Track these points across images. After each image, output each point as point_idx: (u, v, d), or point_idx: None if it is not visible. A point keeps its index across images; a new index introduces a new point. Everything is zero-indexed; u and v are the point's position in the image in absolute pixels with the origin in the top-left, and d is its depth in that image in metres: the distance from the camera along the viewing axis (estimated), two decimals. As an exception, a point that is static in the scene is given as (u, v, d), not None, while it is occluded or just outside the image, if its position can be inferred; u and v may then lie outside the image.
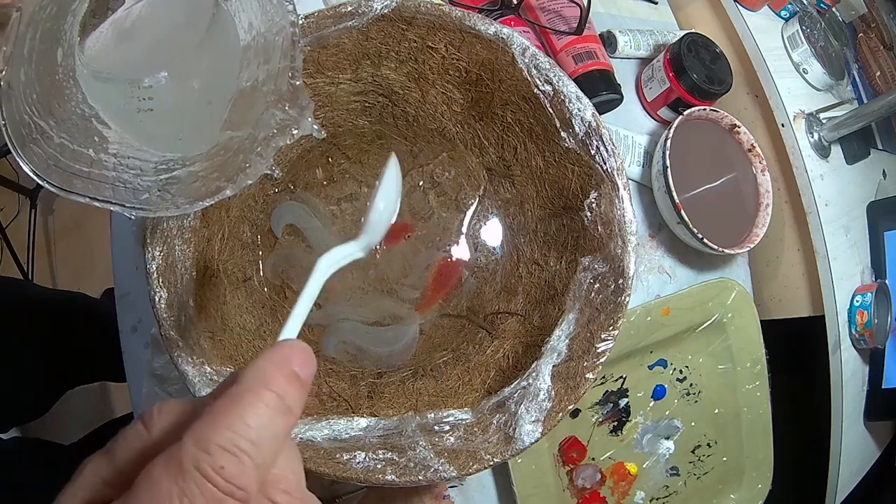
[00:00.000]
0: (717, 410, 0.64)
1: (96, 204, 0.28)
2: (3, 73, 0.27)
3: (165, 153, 0.31)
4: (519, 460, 0.53)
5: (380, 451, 0.38)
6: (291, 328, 0.23)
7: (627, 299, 0.41)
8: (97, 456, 0.19)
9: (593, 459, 0.59)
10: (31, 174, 0.27)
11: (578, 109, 0.43)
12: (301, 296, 0.25)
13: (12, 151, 0.27)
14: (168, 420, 0.19)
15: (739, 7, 0.71)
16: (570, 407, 0.39)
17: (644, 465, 0.61)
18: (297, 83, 0.30)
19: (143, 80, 0.29)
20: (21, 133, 0.27)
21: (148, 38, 0.31)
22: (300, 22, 0.42)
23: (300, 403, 0.19)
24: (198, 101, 0.31)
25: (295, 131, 0.30)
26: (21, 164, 0.27)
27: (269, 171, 0.30)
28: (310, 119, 0.30)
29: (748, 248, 0.62)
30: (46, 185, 0.27)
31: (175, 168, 0.31)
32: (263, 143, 0.30)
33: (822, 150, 0.69)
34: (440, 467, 0.37)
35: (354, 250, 0.28)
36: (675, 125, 0.60)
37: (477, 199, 0.51)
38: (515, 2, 0.59)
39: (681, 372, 0.63)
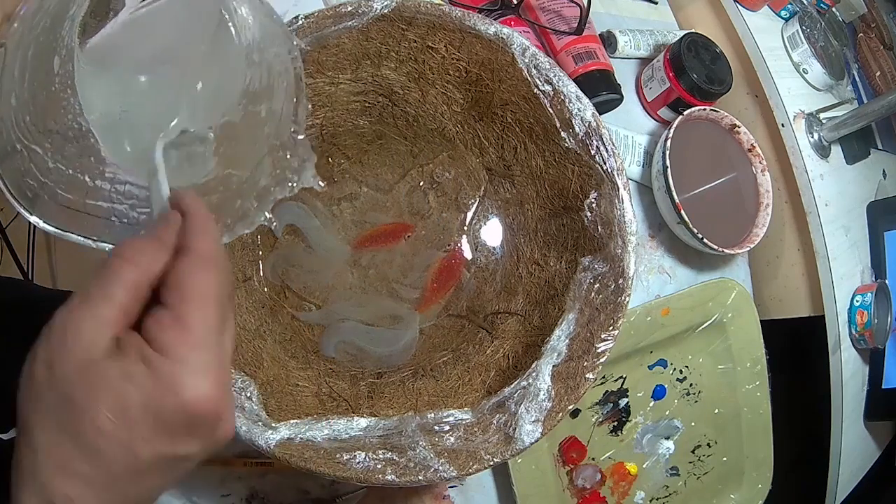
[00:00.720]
0: (717, 410, 0.64)
1: (91, 244, 0.28)
2: None
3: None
4: (519, 460, 0.53)
5: (380, 451, 0.38)
6: (165, 187, 0.27)
7: (627, 299, 0.41)
8: (86, 303, 0.23)
9: (593, 459, 0.59)
10: (21, 210, 0.26)
11: (578, 109, 0.43)
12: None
13: (1, 186, 0.26)
14: (147, 250, 0.24)
15: (739, 7, 0.71)
16: (570, 407, 0.39)
17: (644, 465, 0.61)
18: (300, 137, 0.30)
19: (138, 79, 0.29)
20: (13, 165, 0.26)
21: (147, 43, 0.31)
22: (300, 22, 0.42)
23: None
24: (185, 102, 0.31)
25: (294, 183, 0.30)
26: (10, 199, 0.26)
27: (266, 223, 0.30)
28: (311, 173, 0.30)
29: (748, 248, 0.62)
30: (39, 223, 0.27)
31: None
32: (262, 191, 0.30)
33: (822, 150, 0.69)
34: (440, 467, 0.37)
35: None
36: (675, 125, 0.60)
37: (477, 200, 0.51)
38: (515, 2, 0.59)
39: (681, 372, 0.63)
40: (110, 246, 0.28)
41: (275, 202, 0.30)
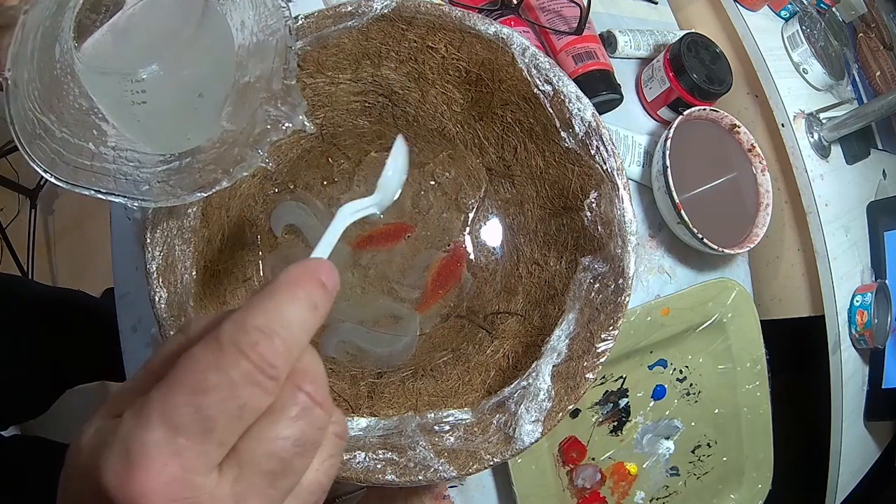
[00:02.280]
0: (717, 410, 0.64)
1: (100, 196, 0.29)
2: (10, 72, 0.27)
3: (160, 152, 0.32)
4: (519, 460, 0.53)
5: (380, 451, 0.38)
6: (320, 252, 0.26)
7: (627, 299, 0.41)
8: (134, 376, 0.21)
9: (593, 459, 0.59)
10: (37, 169, 0.28)
11: (578, 109, 0.43)
12: (326, 233, 0.27)
13: (19, 147, 0.28)
14: (205, 323, 0.21)
15: (739, 7, 0.71)
16: (570, 407, 0.39)
17: (644, 465, 0.61)
18: (291, 83, 0.31)
19: (136, 73, 0.30)
20: (27, 129, 0.28)
21: (141, 36, 0.32)
22: (300, 22, 0.42)
23: (325, 306, 0.21)
24: (189, 93, 0.32)
25: (287, 126, 0.31)
26: (28, 159, 0.28)
27: (263, 164, 0.31)
28: (301, 116, 0.32)
29: (748, 248, 0.62)
30: (53, 180, 0.28)
31: (172, 160, 0.32)
32: (258, 137, 0.31)
33: (822, 150, 0.69)
34: (440, 467, 0.37)
35: (370, 204, 0.31)
36: (675, 125, 0.60)
37: (478, 200, 0.51)
38: (515, 2, 0.59)
39: (681, 372, 0.63)
40: (120, 199, 0.30)
41: (270, 143, 0.31)
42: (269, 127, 0.31)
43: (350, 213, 0.29)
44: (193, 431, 0.18)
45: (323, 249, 0.26)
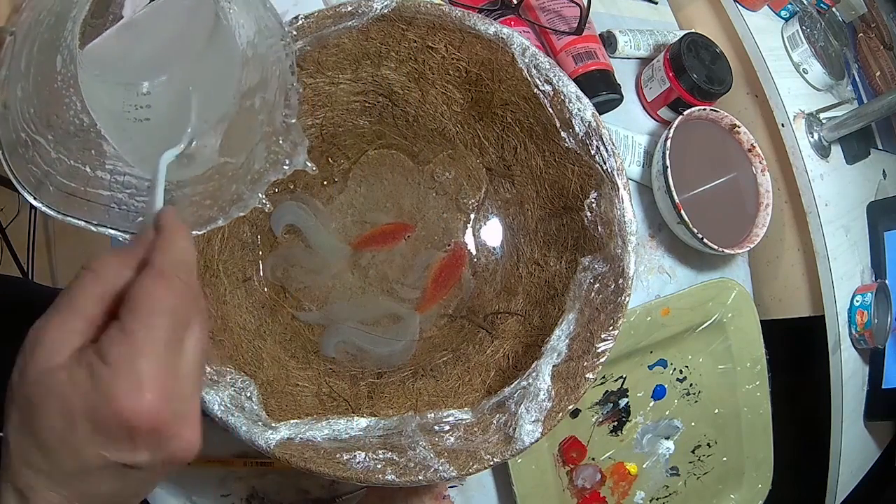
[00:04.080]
0: (717, 410, 0.64)
1: (91, 228, 0.29)
2: None
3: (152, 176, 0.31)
4: (519, 460, 0.53)
5: (380, 451, 0.38)
6: (160, 202, 0.29)
7: (627, 299, 0.41)
8: (56, 315, 0.24)
9: (593, 459, 0.59)
10: (26, 196, 0.27)
11: (578, 109, 0.43)
12: (157, 185, 0.29)
13: (8, 173, 0.27)
14: (117, 260, 0.26)
15: (739, 7, 0.71)
16: (570, 407, 0.39)
17: (644, 465, 0.61)
18: (292, 121, 0.31)
19: (141, 86, 0.29)
20: (17, 152, 0.27)
21: (147, 47, 0.31)
22: (300, 22, 0.42)
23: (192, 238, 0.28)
24: (190, 114, 0.31)
25: (287, 166, 0.31)
26: (16, 184, 0.27)
27: (260, 206, 0.31)
28: (303, 156, 0.31)
29: (748, 248, 0.62)
30: (42, 207, 0.28)
31: (170, 190, 0.31)
32: (256, 175, 0.30)
33: (822, 150, 0.69)
34: (440, 467, 0.37)
35: (178, 146, 0.32)
36: (675, 125, 0.60)
37: (479, 200, 0.51)
38: (515, 2, 0.59)
39: (681, 372, 0.63)
40: (112, 231, 0.29)
41: (268, 184, 0.31)
42: (268, 165, 0.31)
43: (167, 160, 0.30)
44: (168, 343, 0.23)
45: (160, 199, 0.29)
